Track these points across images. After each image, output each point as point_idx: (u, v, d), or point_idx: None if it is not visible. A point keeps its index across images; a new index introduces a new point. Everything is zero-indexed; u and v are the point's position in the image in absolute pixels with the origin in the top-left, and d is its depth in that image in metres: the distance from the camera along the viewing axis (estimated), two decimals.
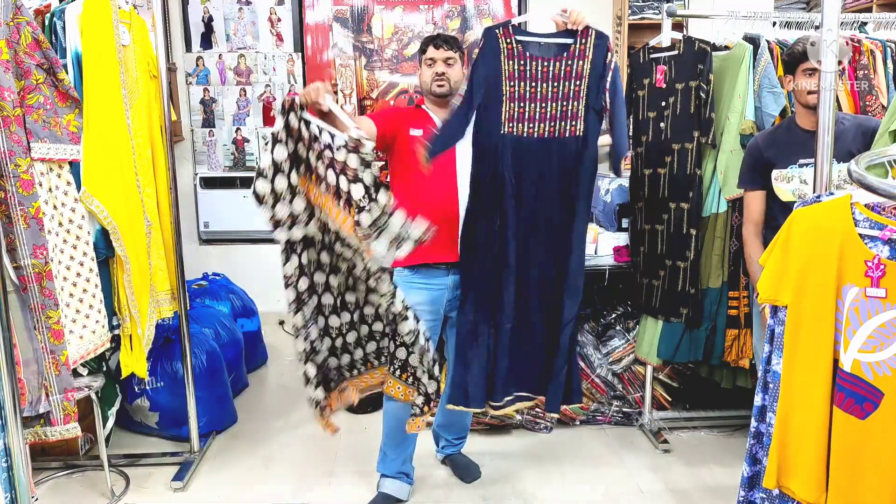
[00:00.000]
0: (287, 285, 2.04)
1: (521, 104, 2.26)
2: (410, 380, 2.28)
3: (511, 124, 2.26)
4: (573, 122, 2.27)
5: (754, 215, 2.51)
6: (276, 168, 1.94)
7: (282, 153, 1.95)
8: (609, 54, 2.25)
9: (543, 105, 2.26)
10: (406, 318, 2.16)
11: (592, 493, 2.68)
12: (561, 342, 2.38)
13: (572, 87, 2.26)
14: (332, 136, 1.97)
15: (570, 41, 2.25)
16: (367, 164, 1.97)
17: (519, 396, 2.47)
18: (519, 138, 2.27)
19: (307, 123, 1.97)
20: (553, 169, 2.30)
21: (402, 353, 2.24)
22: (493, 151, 2.26)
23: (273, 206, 1.96)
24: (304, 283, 2.06)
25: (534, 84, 2.25)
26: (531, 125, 2.27)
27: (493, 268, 2.33)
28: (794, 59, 2.35)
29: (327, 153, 1.96)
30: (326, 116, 2.00)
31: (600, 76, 2.25)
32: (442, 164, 2.32)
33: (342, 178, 1.94)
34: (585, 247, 2.42)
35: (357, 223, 1.93)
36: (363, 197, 1.94)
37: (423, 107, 2.49)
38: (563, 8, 2.25)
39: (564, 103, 2.26)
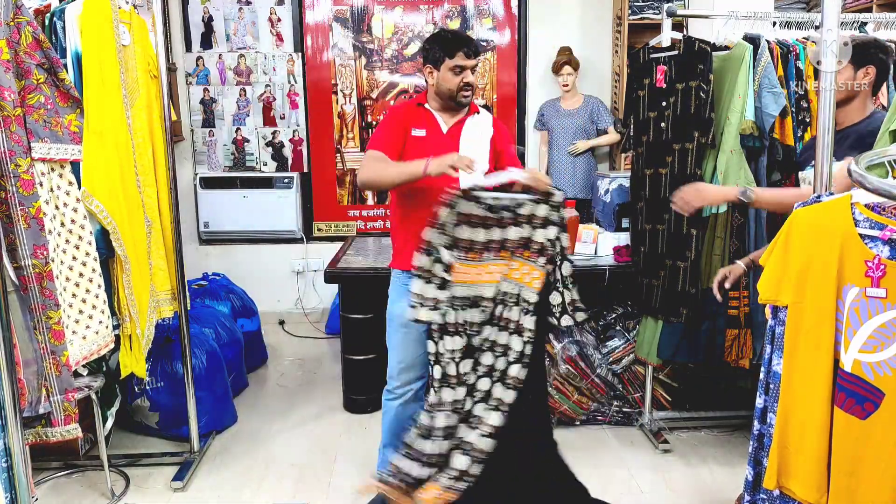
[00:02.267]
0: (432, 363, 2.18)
1: None
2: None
3: None
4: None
5: None
6: (436, 257, 2.10)
7: (447, 255, 2.10)
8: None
9: None
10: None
11: (592, 493, 2.68)
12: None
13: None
14: (514, 198, 2.12)
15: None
16: (556, 208, 2.12)
17: None
18: None
19: (477, 199, 2.10)
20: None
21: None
22: None
23: (426, 283, 2.10)
24: (437, 371, 2.16)
25: None
26: None
27: None
28: None
29: (507, 214, 2.11)
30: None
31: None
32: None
33: (525, 227, 2.11)
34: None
35: (546, 271, 2.11)
36: (554, 240, 2.10)
37: (426, 106, 2.38)
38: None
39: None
